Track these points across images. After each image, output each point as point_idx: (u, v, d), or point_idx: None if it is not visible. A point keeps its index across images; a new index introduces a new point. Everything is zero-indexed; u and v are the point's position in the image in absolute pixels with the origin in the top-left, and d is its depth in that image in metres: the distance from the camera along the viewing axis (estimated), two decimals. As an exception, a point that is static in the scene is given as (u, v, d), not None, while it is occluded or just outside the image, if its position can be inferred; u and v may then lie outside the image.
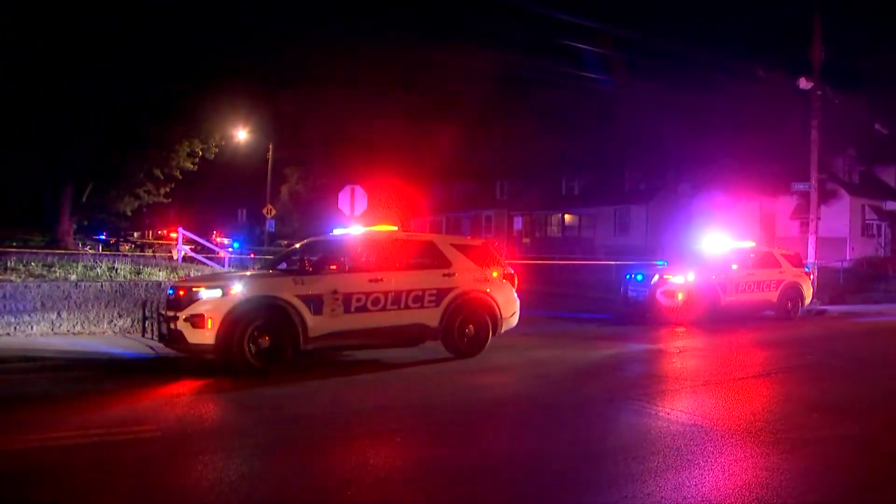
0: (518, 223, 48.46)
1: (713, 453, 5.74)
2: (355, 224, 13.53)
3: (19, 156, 19.25)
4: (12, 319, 10.72)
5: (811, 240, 21.55)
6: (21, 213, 23.75)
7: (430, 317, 10.01)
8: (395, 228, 10.75)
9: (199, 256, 20.08)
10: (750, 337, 13.58)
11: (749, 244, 17.65)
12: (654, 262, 17.95)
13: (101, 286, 11.61)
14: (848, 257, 30.05)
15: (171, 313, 8.93)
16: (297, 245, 11.59)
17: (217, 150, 24.13)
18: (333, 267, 9.69)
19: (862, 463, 5.65)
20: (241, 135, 33.53)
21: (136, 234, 45.52)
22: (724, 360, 11.02)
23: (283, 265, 10.66)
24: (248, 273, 10.79)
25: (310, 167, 49.67)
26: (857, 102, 22.98)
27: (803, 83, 20.65)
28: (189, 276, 13.54)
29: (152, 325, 9.97)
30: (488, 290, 10.63)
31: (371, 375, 9.25)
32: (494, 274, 10.81)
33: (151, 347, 10.07)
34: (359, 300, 9.40)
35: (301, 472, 5.26)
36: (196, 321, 8.60)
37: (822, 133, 21.37)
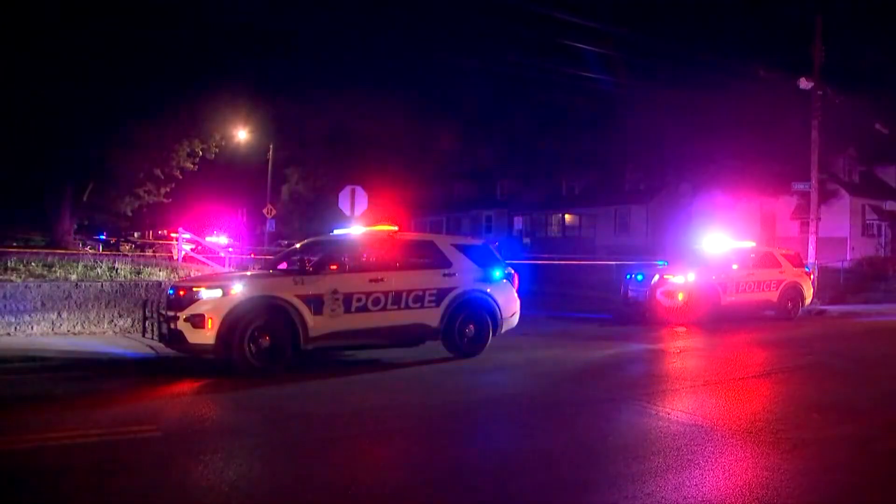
0: (518, 223, 48.46)
1: (714, 453, 5.74)
2: (356, 224, 13.54)
3: (19, 156, 19.24)
4: (13, 319, 10.73)
5: (811, 240, 21.54)
6: (21, 213, 23.73)
7: (431, 317, 10.01)
8: (396, 228, 10.76)
9: (199, 256, 20.08)
10: (750, 337, 13.58)
11: (749, 244, 17.65)
12: (655, 262, 17.94)
13: (102, 286, 11.62)
14: (848, 257, 30.03)
15: (171, 313, 8.92)
16: (298, 245, 11.59)
17: (217, 150, 24.11)
18: (334, 267, 9.69)
19: (863, 463, 5.64)
20: (242, 135, 33.49)
21: (136, 234, 45.50)
22: (725, 360, 11.02)
23: (284, 265, 10.65)
24: (249, 273, 10.78)
25: (310, 167, 49.61)
26: (858, 102, 22.96)
27: (804, 83, 20.64)
28: (189, 276, 13.55)
29: (153, 325, 9.96)
30: (489, 290, 10.63)
31: (371, 375, 9.25)
32: (495, 274, 10.81)
33: (152, 347, 10.08)
34: (359, 300, 9.40)
35: (302, 472, 5.25)
36: (196, 321, 8.60)
37: (823, 133, 21.36)
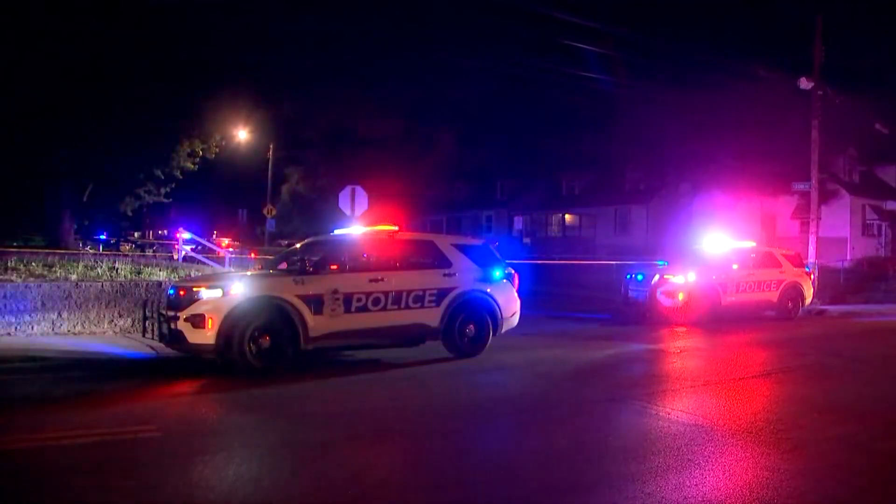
0: (518, 223, 48.45)
1: (714, 453, 5.74)
2: (356, 224, 13.53)
3: (19, 156, 19.24)
4: (13, 319, 10.73)
5: (812, 240, 21.53)
6: (21, 213, 23.70)
7: (431, 317, 10.01)
8: (396, 228, 10.76)
9: (199, 256, 20.09)
10: (750, 337, 13.58)
11: (749, 244, 17.65)
12: (655, 262, 17.93)
13: (102, 286, 11.62)
14: (848, 257, 30.03)
15: (171, 313, 8.93)
16: (298, 245, 11.58)
17: (218, 149, 24.10)
18: (334, 267, 9.69)
19: (863, 463, 5.64)
20: (242, 134, 33.51)
21: (136, 234, 45.50)
22: (725, 360, 11.02)
23: (284, 265, 10.65)
24: (249, 273, 10.78)
25: (310, 167, 49.62)
26: (858, 102, 22.95)
27: (804, 83, 20.62)
28: (190, 276, 13.54)
29: (153, 324, 9.97)
30: (489, 290, 10.63)
31: (371, 375, 9.24)
32: (495, 274, 10.81)
33: (152, 347, 10.08)
34: (359, 300, 9.40)
35: (301, 472, 5.25)
36: (196, 321, 8.60)
37: (823, 133, 21.35)
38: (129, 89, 18.36)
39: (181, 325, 8.70)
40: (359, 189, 16.08)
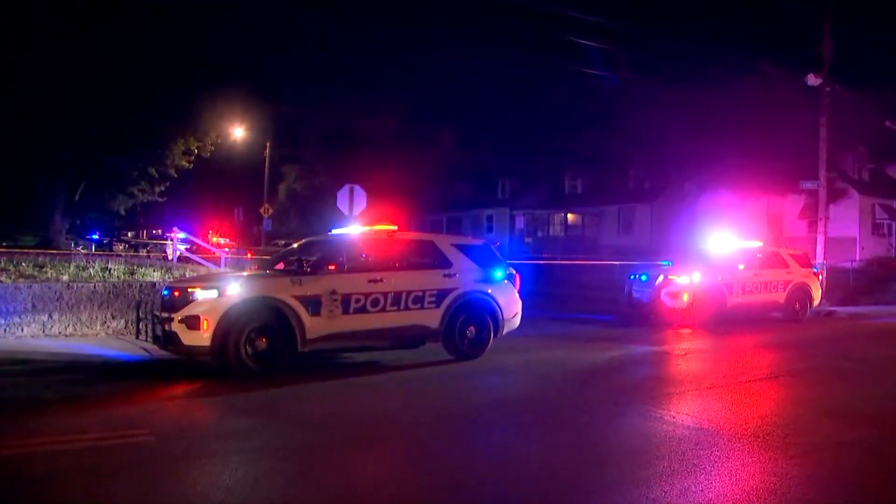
0: (520, 222, 48.49)
1: (720, 458, 5.72)
2: (354, 224, 13.51)
3: (11, 154, 19.24)
4: (2, 321, 10.71)
5: (820, 239, 21.51)
6: (12, 212, 23.73)
7: (431, 318, 9.99)
8: (395, 228, 10.74)
9: (194, 256, 20.07)
10: (757, 339, 13.56)
11: (756, 244, 17.63)
12: (659, 263, 17.91)
13: (94, 287, 11.60)
14: (858, 257, 30.02)
15: (165, 314, 8.91)
16: (295, 245, 11.56)
17: (213, 147, 24.14)
18: (332, 267, 9.67)
19: (873, 468, 5.62)
20: (238, 132, 33.50)
21: (130, 234, 45.51)
22: (731, 363, 11.00)
23: (281, 265, 10.63)
24: (245, 273, 10.77)
25: (308, 165, 49.64)
26: (868, 99, 22.93)
27: (812, 79, 20.58)
28: (184, 276, 13.53)
29: (146, 326, 9.93)
30: (490, 291, 10.61)
31: (370, 378, 9.22)
32: (496, 274, 10.79)
33: (145, 349, 10.05)
34: (358, 301, 9.38)
35: (298, 477, 5.24)
36: (191, 322, 8.58)
37: (831, 130, 21.31)
38: (124, 86, 18.37)
39: (176, 327, 8.67)
40: (357, 188, 16.07)
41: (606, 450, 6.01)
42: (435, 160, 42.66)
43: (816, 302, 17.52)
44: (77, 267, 13.66)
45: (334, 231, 11.38)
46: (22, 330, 10.85)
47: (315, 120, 42.37)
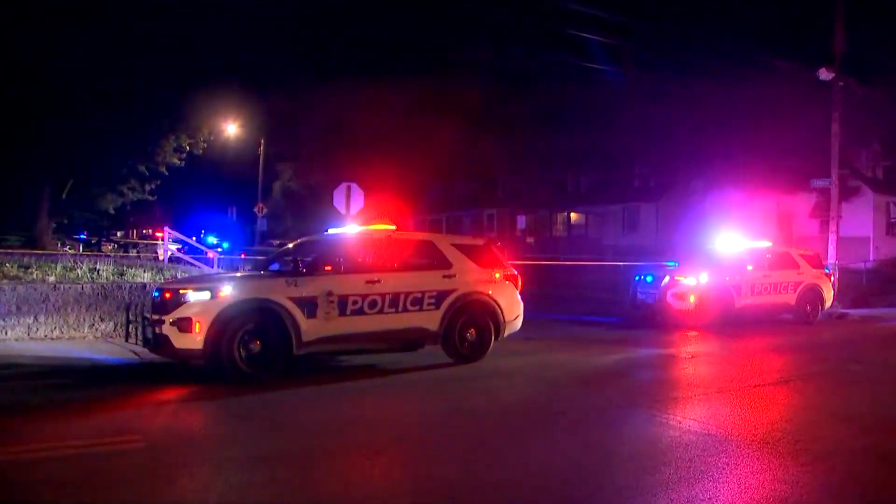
0: (521, 222, 48.45)
1: (728, 465, 5.71)
2: (351, 223, 13.50)
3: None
4: (-14, 324, 10.70)
5: (832, 239, 21.51)
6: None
7: (430, 320, 9.99)
8: (393, 227, 10.74)
9: (186, 257, 20.07)
10: (766, 342, 13.56)
11: (765, 244, 17.62)
12: (665, 263, 17.92)
13: (82, 288, 11.59)
14: (871, 258, 29.97)
15: (156, 317, 8.89)
16: (290, 245, 11.57)
17: (206, 144, 24.11)
18: (328, 268, 9.68)
19: (887, 476, 5.62)
20: (231, 129, 33.50)
21: (119, 234, 45.52)
22: (739, 366, 11.00)
23: (276, 266, 10.64)
24: (239, 274, 10.78)
25: (304, 163, 49.69)
26: (882, 94, 22.89)
27: (824, 74, 20.56)
28: (176, 277, 13.52)
29: (136, 329, 9.93)
30: (490, 293, 10.61)
31: (368, 382, 9.22)
32: (497, 275, 10.79)
33: (135, 353, 10.05)
34: (355, 303, 9.38)
35: (293, 484, 5.23)
36: (183, 325, 8.57)
37: (844, 126, 21.30)
38: (112, 81, 18.34)
39: (167, 330, 8.66)
40: (354, 186, 16.07)
41: (611, 456, 6.00)
42: (434, 157, 42.64)
43: (828, 304, 17.51)
44: (64, 268, 13.63)
45: (331, 231, 11.38)
46: (6, 333, 10.83)
47: (310, 116, 42.38)
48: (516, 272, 11.33)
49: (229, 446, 6.15)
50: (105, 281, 12.59)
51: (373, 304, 9.53)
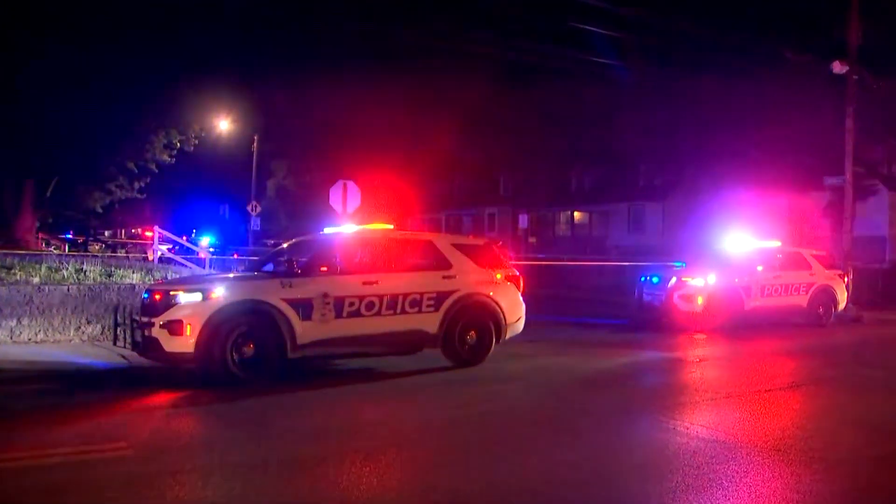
0: (524, 221, 48.37)
1: (738, 473, 5.70)
2: (348, 222, 13.49)
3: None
4: (-34, 327, 10.67)
5: (845, 239, 21.47)
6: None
7: (429, 322, 9.98)
8: (391, 227, 10.73)
9: (176, 257, 20.06)
10: (777, 345, 13.56)
11: (776, 244, 17.62)
12: (672, 264, 17.90)
13: (68, 290, 11.57)
14: (887, 258, 29.93)
15: (145, 319, 8.90)
16: (285, 245, 11.56)
17: (197, 141, 24.06)
18: (324, 269, 9.66)
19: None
20: (224, 125, 33.49)
21: (107, 233, 45.51)
22: (749, 371, 10.99)
23: (270, 267, 10.64)
24: (231, 275, 10.77)
25: (299, 160, 49.69)
26: (899, 87, 22.79)
27: (837, 67, 20.48)
28: (166, 278, 13.51)
29: (125, 332, 9.92)
30: (491, 294, 10.60)
31: (364, 386, 9.22)
32: (498, 276, 10.79)
33: (123, 356, 10.03)
34: (351, 304, 9.38)
35: (286, 493, 5.22)
36: (173, 328, 8.57)
37: (859, 122, 21.21)
38: (99, 73, 18.27)
39: (156, 333, 8.67)
40: (351, 184, 16.05)
41: (615, 463, 5.99)
42: (434, 154, 42.64)
43: (842, 306, 17.49)
44: (49, 268, 13.59)
45: (326, 230, 11.38)
46: (-12, 336, 10.81)
47: (306, 111, 42.35)
48: (518, 273, 11.33)
49: (220, 453, 6.14)
50: (92, 282, 12.57)
51: (370, 306, 9.52)
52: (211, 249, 30.91)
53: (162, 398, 8.37)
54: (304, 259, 9.98)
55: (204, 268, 19.12)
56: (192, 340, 8.51)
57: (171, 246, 25.01)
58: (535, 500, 5.15)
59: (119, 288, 11.96)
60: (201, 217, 54.22)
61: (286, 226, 46.87)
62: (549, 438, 6.85)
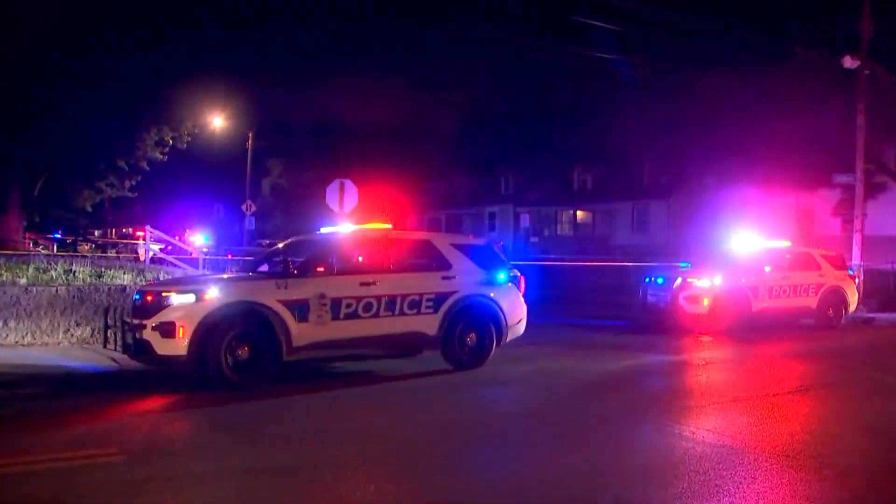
0: (525, 220, 48.47)
1: (745, 479, 5.69)
2: (345, 222, 13.50)
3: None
4: (-49, 330, 10.66)
5: (856, 239, 21.46)
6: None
7: (428, 324, 9.98)
8: (389, 226, 10.73)
9: (169, 258, 20.06)
10: (785, 348, 13.55)
11: (784, 244, 17.61)
12: (677, 264, 17.92)
13: (56, 291, 11.56)
14: (899, 258, 29.88)
15: (137, 321, 8.89)
16: (281, 245, 11.58)
17: (190, 138, 24.08)
18: (320, 269, 9.66)
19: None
20: (217, 122, 33.48)
21: (97, 233, 45.49)
22: (757, 374, 10.99)
23: (265, 267, 10.64)
24: (226, 276, 10.76)
25: (294, 158, 49.65)
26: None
27: (848, 61, 20.46)
28: (158, 279, 13.50)
29: (115, 334, 9.93)
30: (492, 295, 10.60)
31: (362, 390, 9.22)
32: (499, 277, 10.78)
33: (114, 360, 10.04)
34: (349, 306, 9.37)
35: (281, 499, 5.21)
36: (166, 330, 8.57)
37: (870, 118, 21.22)
38: (89, 68, 18.26)
39: (148, 335, 8.66)
40: (348, 183, 16.06)
41: (619, 469, 5.98)
42: (433, 152, 42.65)
43: (852, 307, 17.49)
44: (36, 269, 13.58)
45: (323, 230, 11.38)
46: (-27, 340, 10.80)
47: (302, 108, 42.33)
48: (519, 273, 11.33)
49: (213, 459, 6.13)
50: (81, 283, 12.56)
51: (368, 308, 9.52)
52: (204, 249, 30.90)
53: (154, 402, 8.36)
54: (299, 259, 10.00)
55: (197, 268, 19.12)
56: (185, 343, 8.51)
57: (163, 246, 25.01)
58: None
59: (109, 289, 11.95)
60: (195, 216, 54.26)
61: (281, 225, 46.87)
62: (550, 443, 6.84)
